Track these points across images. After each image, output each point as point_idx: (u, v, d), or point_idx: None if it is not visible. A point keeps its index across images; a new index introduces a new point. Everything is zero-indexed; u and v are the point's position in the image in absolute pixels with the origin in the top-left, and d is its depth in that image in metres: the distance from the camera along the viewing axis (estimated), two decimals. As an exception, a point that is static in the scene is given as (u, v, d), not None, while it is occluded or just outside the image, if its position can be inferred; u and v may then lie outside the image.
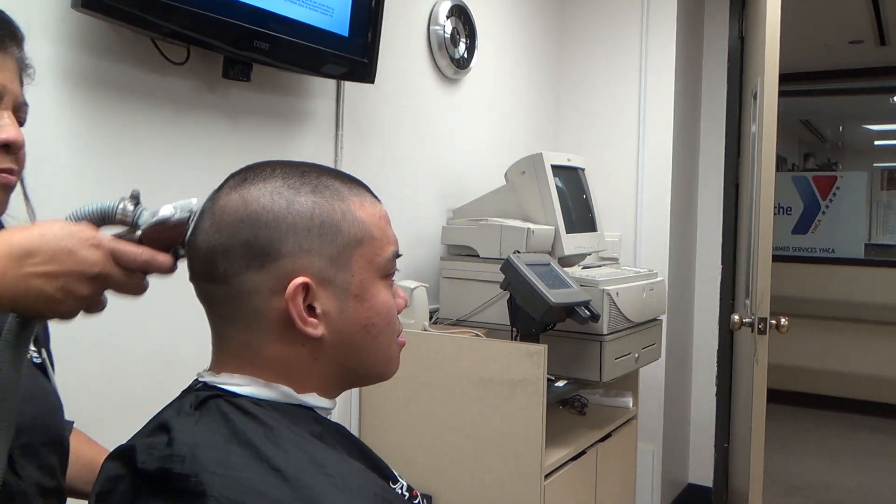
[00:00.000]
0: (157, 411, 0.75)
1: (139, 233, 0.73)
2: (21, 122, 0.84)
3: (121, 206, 0.74)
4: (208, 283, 0.73)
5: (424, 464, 1.96)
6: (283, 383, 0.73)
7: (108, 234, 0.71)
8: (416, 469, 1.97)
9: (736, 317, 2.45)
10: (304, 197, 0.72)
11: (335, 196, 0.74)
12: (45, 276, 0.66)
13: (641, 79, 3.00)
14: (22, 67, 0.86)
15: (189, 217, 0.73)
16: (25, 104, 0.86)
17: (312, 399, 0.75)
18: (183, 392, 0.76)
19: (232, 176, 0.76)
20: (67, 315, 0.70)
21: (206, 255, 0.72)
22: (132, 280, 0.72)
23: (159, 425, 0.70)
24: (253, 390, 0.72)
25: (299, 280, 0.70)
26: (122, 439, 0.72)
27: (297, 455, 0.66)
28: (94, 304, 0.71)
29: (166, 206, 0.74)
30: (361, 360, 0.77)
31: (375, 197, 0.80)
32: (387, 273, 0.78)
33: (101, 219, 0.74)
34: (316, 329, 0.72)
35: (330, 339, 0.73)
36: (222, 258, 0.71)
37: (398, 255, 0.80)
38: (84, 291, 0.68)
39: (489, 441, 1.88)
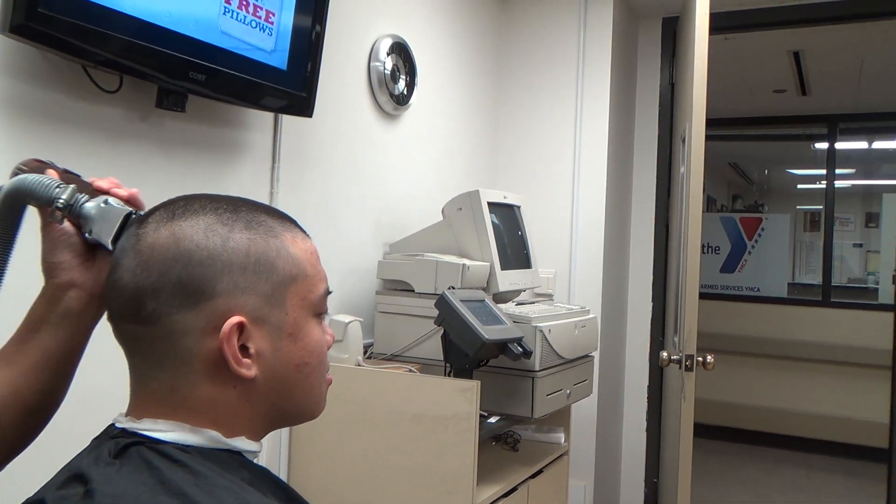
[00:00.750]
0: (68, 461, 0.70)
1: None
2: None
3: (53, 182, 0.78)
4: (132, 325, 0.69)
5: (356, 501, 1.93)
6: (210, 427, 0.70)
7: None
8: (348, 503, 1.94)
9: (664, 354, 2.51)
10: (239, 233, 0.71)
11: (269, 232, 0.73)
12: None
13: (577, 120, 3.07)
14: None
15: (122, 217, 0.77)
16: None
17: (241, 443, 0.72)
18: (96, 439, 0.72)
19: (155, 210, 0.73)
20: None
21: (131, 294, 0.69)
22: None
23: (74, 476, 0.66)
24: (178, 436, 0.69)
25: (235, 319, 0.68)
26: (30, 490, 0.68)
27: (232, 502, 0.63)
28: None
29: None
30: (293, 399, 0.75)
31: (305, 233, 0.78)
32: (319, 311, 0.76)
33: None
34: (249, 370, 0.70)
35: (262, 379, 0.71)
36: (151, 298, 0.68)
37: (329, 293, 0.79)
38: None
39: (421, 477, 1.87)
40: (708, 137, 2.46)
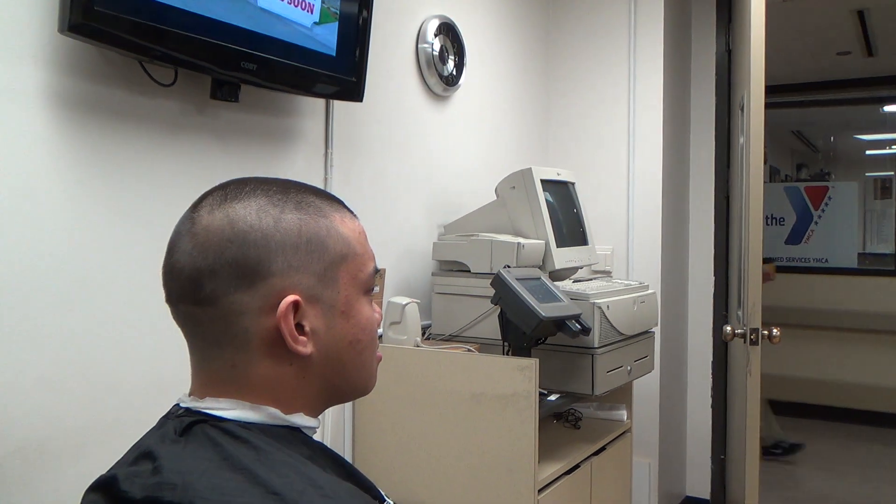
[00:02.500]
0: (137, 439, 0.73)
1: None
2: None
3: None
4: (191, 306, 0.71)
5: (418, 480, 1.96)
6: (269, 404, 0.72)
7: None
8: (410, 485, 1.97)
9: (728, 328, 2.46)
10: (290, 214, 0.72)
11: (318, 212, 0.74)
12: None
13: (630, 92, 3.02)
14: None
15: None
16: None
17: (299, 419, 0.74)
18: (162, 419, 0.75)
19: (208, 194, 0.75)
20: None
21: (189, 276, 0.70)
22: None
23: (143, 453, 0.68)
24: (239, 414, 0.71)
25: (290, 298, 0.70)
26: (103, 467, 0.71)
27: (294, 478, 0.65)
28: None
29: None
30: (346, 376, 0.77)
31: (353, 213, 0.79)
32: (368, 288, 0.78)
33: None
34: (305, 347, 0.72)
35: (317, 356, 0.73)
36: (208, 279, 0.69)
37: (377, 271, 0.80)
38: None
39: (482, 456, 1.88)
40: (768, 105, 2.38)
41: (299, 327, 0.72)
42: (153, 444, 0.69)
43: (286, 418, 0.73)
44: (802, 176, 7.59)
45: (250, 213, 0.71)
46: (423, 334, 2.19)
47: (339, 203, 0.78)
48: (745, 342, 2.38)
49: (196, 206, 0.74)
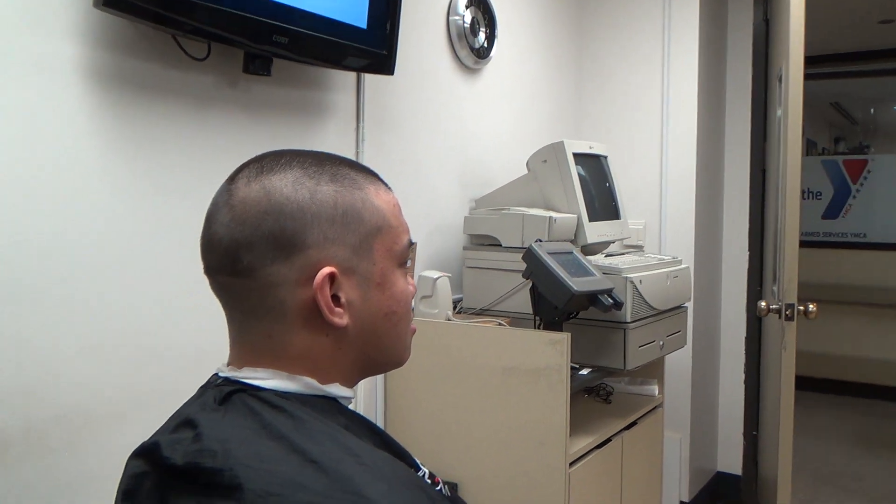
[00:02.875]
0: (177, 408, 0.75)
1: None
2: None
3: None
4: (229, 277, 0.72)
5: (450, 452, 1.98)
6: (306, 374, 0.73)
7: None
8: (442, 458, 1.98)
9: (763, 303, 2.43)
10: (325, 186, 0.72)
11: (353, 184, 0.74)
12: None
13: (664, 63, 2.97)
14: None
15: None
16: None
17: (335, 389, 0.75)
18: (202, 388, 0.76)
19: (245, 166, 0.75)
20: None
21: (227, 248, 0.71)
22: None
23: (184, 421, 0.70)
24: (277, 383, 0.72)
25: (327, 270, 0.70)
26: (145, 434, 0.72)
27: (332, 446, 0.66)
28: None
29: None
30: (382, 347, 0.78)
31: (387, 185, 0.80)
32: (403, 261, 0.78)
33: None
34: (341, 318, 0.72)
35: (353, 328, 0.74)
36: (246, 251, 0.70)
37: (412, 244, 0.80)
38: None
39: (514, 429, 1.89)
40: (806, 76, 2.32)
41: (335, 299, 0.72)
42: (194, 412, 0.71)
43: (323, 388, 0.74)
44: (841, 149, 7.42)
45: (286, 185, 0.71)
46: (455, 308, 2.20)
47: (374, 175, 0.78)
48: (780, 318, 2.35)
49: (233, 178, 0.75)
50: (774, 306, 2.37)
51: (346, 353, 0.75)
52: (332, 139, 1.94)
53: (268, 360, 0.73)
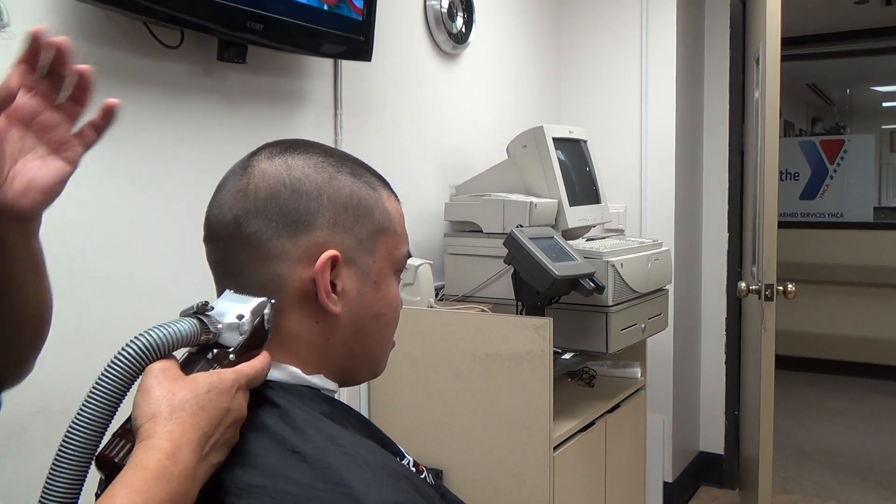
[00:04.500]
0: None
1: (232, 354, 0.67)
2: None
3: (200, 328, 0.67)
4: (231, 244, 0.72)
5: (435, 439, 1.98)
6: (291, 362, 0.73)
7: (206, 363, 0.67)
8: (427, 445, 1.99)
9: (742, 284, 2.45)
10: (344, 176, 0.74)
11: (369, 184, 0.76)
12: (220, 446, 0.63)
13: (643, 46, 2.97)
14: None
15: (265, 318, 0.69)
16: None
17: (318, 380, 0.75)
18: None
19: (267, 145, 0.76)
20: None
21: (236, 215, 0.71)
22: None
23: None
24: None
25: (331, 252, 0.71)
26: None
27: (315, 436, 0.65)
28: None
29: (234, 313, 0.68)
30: (366, 347, 0.78)
31: (397, 197, 0.82)
32: (400, 269, 0.79)
33: (181, 346, 0.67)
34: (335, 305, 0.72)
35: (344, 319, 0.74)
36: (255, 219, 0.70)
37: (409, 256, 0.81)
38: (236, 436, 0.65)
39: (498, 415, 1.89)
40: (784, 57, 2.34)
41: (332, 286, 0.72)
42: None
43: (306, 378, 0.74)
44: (817, 130, 7.49)
45: (309, 164, 0.73)
46: (437, 295, 2.20)
47: (387, 183, 0.81)
48: (759, 298, 2.37)
49: (253, 154, 0.76)
50: (754, 287, 2.40)
51: (333, 345, 0.75)
52: (311, 128, 1.92)
53: None
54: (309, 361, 0.74)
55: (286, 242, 0.71)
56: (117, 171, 1.44)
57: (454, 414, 1.96)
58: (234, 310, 0.68)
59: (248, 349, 0.68)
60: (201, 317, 0.68)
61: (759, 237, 2.47)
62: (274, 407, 0.68)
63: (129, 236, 1.46)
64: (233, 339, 0.68)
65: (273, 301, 0.70)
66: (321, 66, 1.95)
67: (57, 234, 1.33)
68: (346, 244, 0.73)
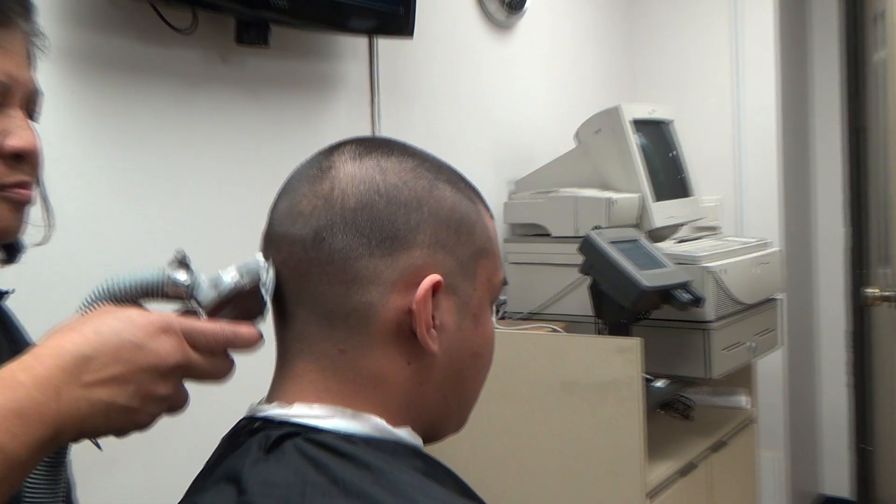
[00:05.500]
0: (209, 457, 0.71)
1: (201, 309, 0.68)
2: (34, 117, 0.79)
3: (168, 276, 0.68)
4: (306, 264, 0.68)
5: (502, 486, 1.97)
6: (374, 412, 0.69)
7: (169, 312, 0.68)
8: (493, 492, 1.97)
9: (870, 290, 2.41)
10: (444, 185, 0.71)
11: (468, 196, 0.73)
12: (111, 382, 0.61)
13: (734, 9, 2.94)
14: (31, 44, 0.79)
15: (260, 281, 0.68)
16: (39, 93, 0.80)
17: (407, 434, 0.71)
18: (237, 431, 0.72)
19: (348, 142, 0.73)
20: (147, 424, 0.65)
21: (316, 227, 0.68)
22: (215, 363, 0.67)
23: (224, 476, 0.66)
24: (339, 423, 0.67)
25: (435, 277, 0.67)
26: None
27: (423, 501, 0.62)
28: (177, 402, 0.66)
29: (228, 270, 0.69)
30: (461, 394, 0.75)
31: (491, 213, 0.78)
32: (496, 298, 0.77)
33: (143, 294, 0.68)
34: (434, 342, 0.68)
35: (440, 361, 0.70)
36: (340, 231, 0.67)
37: (505, 283, 0.79)
38: (162, 390, 0.64)
39: (579, 456, 1.88)
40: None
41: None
42: (234, 464, 0.66)
43: (393, 431, 0.69)
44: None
45: (406, 169, 0.70)
46: (497, 313, 2.20)
47: (482, 196, 0.77)
48: (893, 307, 2.32)
49: (330, 152, 0.72)
50: (886, 293, 2.35)
51: (426, 392, 0.71)
52: (344, 117, 1.94)
53: (331, 385, 0.69)
54: (395, 411, 0.70)
55: (379, 262, 0.67)
56: (123, 174, 1.47)
57: (524, 455, 1.95)
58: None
59: (233, 314, 0.68)
60: (180, 268, 0.68)
61: (888, 230, 2.42)
62: (363, 468, 0.63)
63: (137, 244, 1.49)
64: (209, 297, 0.68)
65: (270, 260, 0.69)
66: (354, 46, 1.97)
67: (56, 239, 1.36)
68: (448, 267, 0.69)
